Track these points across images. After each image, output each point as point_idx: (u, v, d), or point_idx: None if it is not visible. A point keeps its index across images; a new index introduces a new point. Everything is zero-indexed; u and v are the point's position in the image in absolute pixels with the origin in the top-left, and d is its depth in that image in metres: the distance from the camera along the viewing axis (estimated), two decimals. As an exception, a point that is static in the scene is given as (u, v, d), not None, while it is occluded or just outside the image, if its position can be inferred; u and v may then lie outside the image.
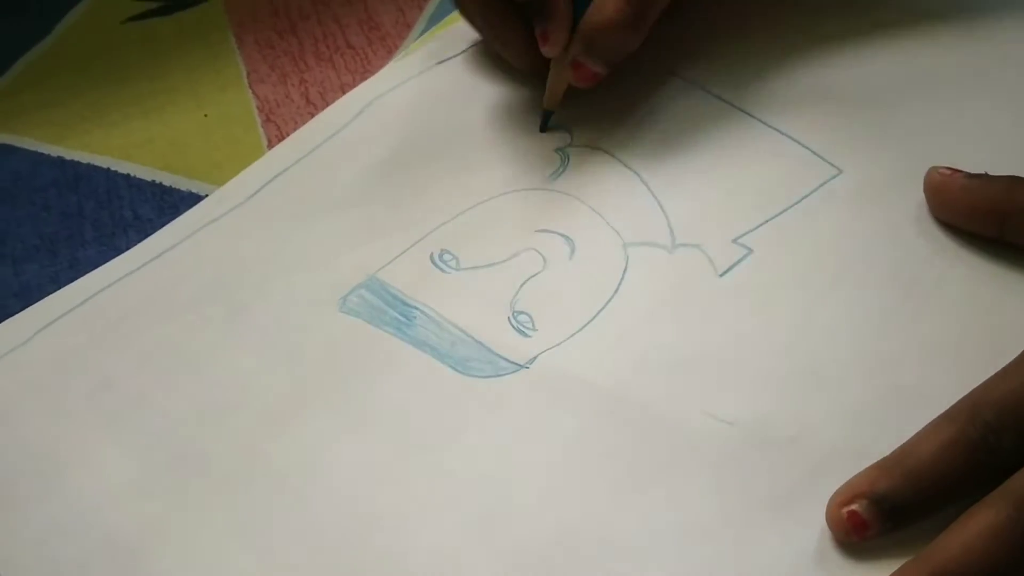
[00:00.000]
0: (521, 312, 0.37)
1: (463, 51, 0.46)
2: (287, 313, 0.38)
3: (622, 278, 0.38)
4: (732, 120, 0.42)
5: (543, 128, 0.43)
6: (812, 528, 0.31)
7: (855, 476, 0.30)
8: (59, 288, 0.40)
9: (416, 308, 0.38)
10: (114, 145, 0.46)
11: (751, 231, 0.38)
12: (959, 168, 0.36)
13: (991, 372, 0.31)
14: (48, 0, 0.52)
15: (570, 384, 0.35)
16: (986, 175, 0.36)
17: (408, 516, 0.33)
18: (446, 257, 0.39)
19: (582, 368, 0.35)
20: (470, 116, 0.44)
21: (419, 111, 0.44)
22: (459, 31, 0.47)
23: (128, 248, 0.41)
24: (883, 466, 0.30)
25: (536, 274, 0.38)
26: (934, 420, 0.31)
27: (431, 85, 0.45)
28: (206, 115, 0.46)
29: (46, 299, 0.40)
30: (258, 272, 0.40)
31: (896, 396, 0.33)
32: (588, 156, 0.42)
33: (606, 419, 0.34)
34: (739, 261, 0.37)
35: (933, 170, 0.37)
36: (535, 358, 0.36)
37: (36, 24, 0.51)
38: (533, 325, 0.37)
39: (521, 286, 0.38)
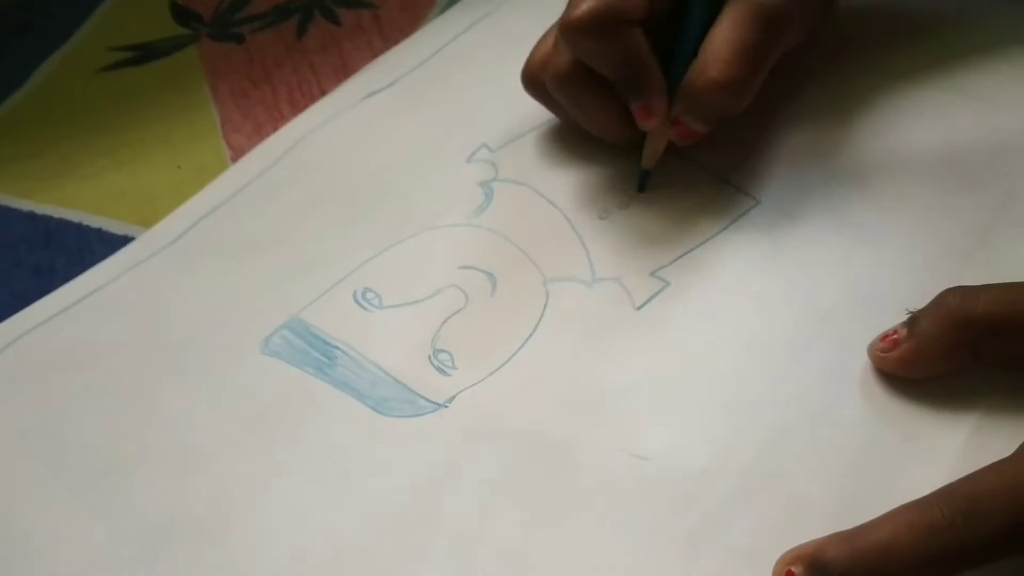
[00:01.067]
0: (441, 350, 0.38)
1: (390, 84, 0.47)
2: (211, 356, 0.38)
3: (542, 314, 0.38)
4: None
5: (641, 189, 0.41)
6: (719, 558, 0.31)
7: (811, 540, 0.30)
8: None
9: (338, 348, 0.38)
10: (86, 199, 0.45)
11: (669, 264, 0.38)
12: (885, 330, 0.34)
13: (901, 391, 0.32)
14: (22, 50, 0.52)
15: (488, 422, 0.35)
16: (915, 315, 0.33)
17: (334, 554, 0.33)
18: (369, 295, 0.40)
19: (500, 406, 0.36)
20: (395, 152, 0.44)
21: (345, 148, 0.45)
22: (387, 63, 0.48)
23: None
24: (838, 536, 0.30)
25: (458, 311, 0.39)
26: (900, 506, 0.29)
27: (358, 120, 0.46)
28: (179, 167, 0.46)
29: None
30: (182, 315, 0.40)
31: (809, 421, 0.34)
32: (512, 191, 0.42)
33: (523, 456, 0.34)
34: (656, 294, 0.38)
35: (876, 350, 0.34)
36: (454, 397, 0.36)
37: (10, 74, 0.51)
38: (453, 364, 0.37)
39: (442, 324, 0.38)
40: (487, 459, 0.34)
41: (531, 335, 0.37)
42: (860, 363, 0.35)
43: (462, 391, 0.36)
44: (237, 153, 0.46)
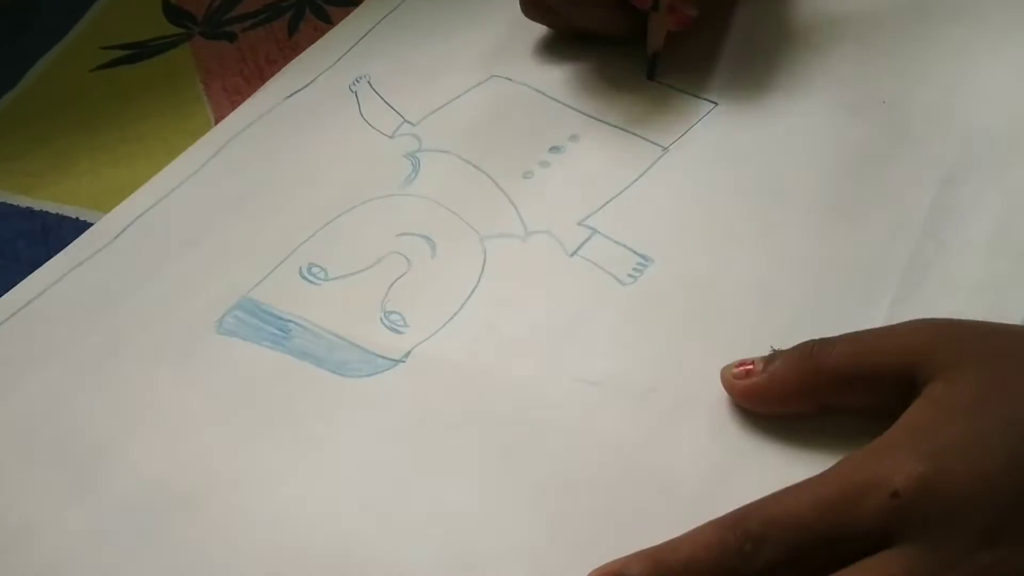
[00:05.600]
0: (392, 312, 0.40)
1: (309, 83, 0.49)
2: (169, 342, 0.40)
3: (482, 269, 0.40)
4: (567, 116, 0.45)
5: (651, 75, 0.45)
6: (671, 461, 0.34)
7: (618, 558, 0.31)
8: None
9: (291, 322, 0.40)
10: (84, 194, 0.46)
11: (594, 213, 0.41)
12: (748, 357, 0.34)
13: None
14: (16, 50, 0.52)
15: (446, 371, 0.38)
16: (777, 354, 0.34)
17: (308, 511, 0.35)
18: (314, 270, 0.41)
19: (455, 355, 0.38)
20: (321, 139, 0.46)
21: (271, 146, 0.46)
22: (304, 64, 0.49)
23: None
24: (643, 553, 0.30)
25: (402, 275, 0.41)
26: (706, 523, 0.31)
27: (281, 119, 0.48)
28: None
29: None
30: (133, 307, 0.41)
31: (748, 338, 0.37)
32: (438, 159, 0.45)
33: (483, 399, 0.37)
34: (585, 241, 0.41)
35: (729, 375, 0.34)
36: (410, 352, 0.38)
37: (5, 72, 0.51)
38: (405, 323, 0.39)
39: (389, 288, 0.40)
40: (450, 406, 0.37)
41: (474, 289, 0.40)
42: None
43: (417, 345, 0.38)
44: None
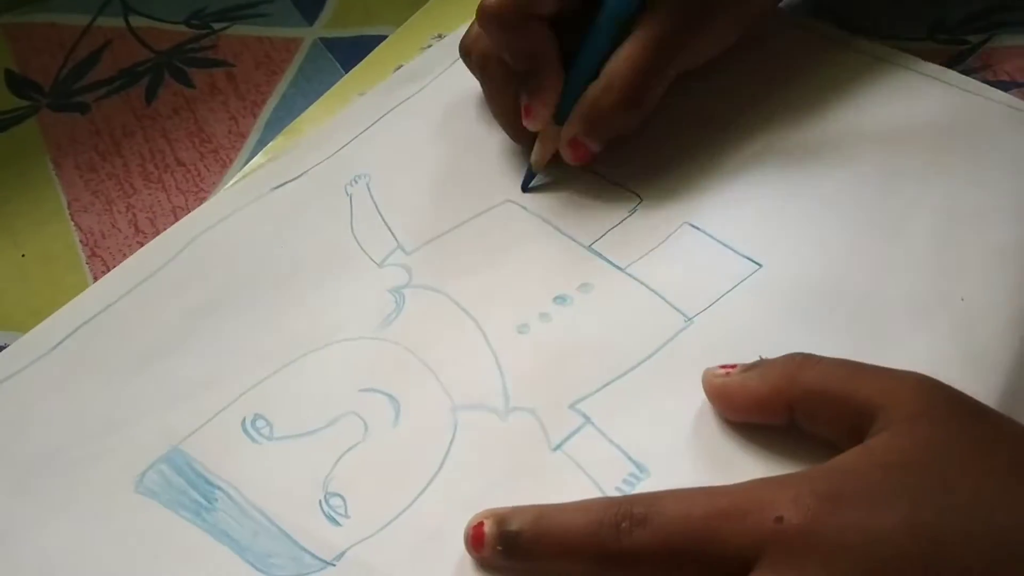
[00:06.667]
0: (334, 494, 0.33)
1: (302, 174, 0.43)
2: (80, 491, 0.34)
3: (448, 450, 0.34)
4: (584, 260, 0.38)
5: (525, 188, 0.41)
6: None
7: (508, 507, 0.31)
8: None
9: (219, 488, 0.34)
10: None
11: (591, 395, 0.34)
12: (729, 363, 0.33)
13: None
14: None
15: (378, 587, 0.31)
16: (762, 361, 0.33)
17: None
18: (259, 423, 0.35)
19: (393, 569, 0.32)
20: (300, 251, 0.40)
21: (247, 245, 0.41)
22: (299, 151, 0.43)
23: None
24: (529, 508, 0.31)
25: (355, 445, 0.35)
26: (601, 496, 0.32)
27: (261, 215, 0.41)
28: (23, 255, 0.42)
29: None
30: (52, 439, 0.36)
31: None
32: (425, 299, 0.38)
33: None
34: (574, 432, 0.34)
35: (708, 373, 0.33)
36: (343, 553, 0.32)
37: None
38: (346, 511, 0.33)
39: (337, 462, 0.34)
40: (375, 631, 0.31)
41: (433, 477, 0.33)
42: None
43: (352, 547, 0.32)
44: (87, 236, 0.42)
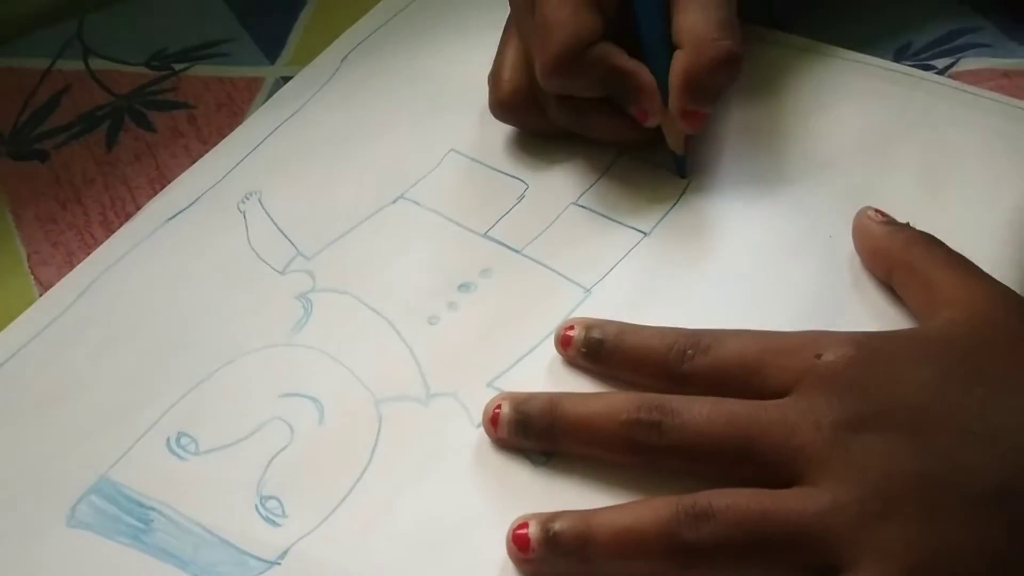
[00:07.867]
0: (269, 497, 0.34)
1: (193, 202, 0.43)
2: (8, 534, 0.34)
3: (376, 442, 0.35)
4: (479, 246, 0.40)
5: (682, 174, 0.41)
6: None
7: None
8: None
9: (153, 509, 0.34)
10: None
11: (505, 372, 0.36)
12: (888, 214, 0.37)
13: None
14: None
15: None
16: (903, 225, 0.36)
17: None
18: (184, 441, 0.36)
19: (338, 557, 0.33)
20: (200, 273, 0.41)
21: (148, 278, 0.41)
22: (188, 180, 0.44)
23: None
24: (617, 322, 0.35)
25: (283, 448, 0.35)
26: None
27: (159, 247, 0.42)
28: None
29: None
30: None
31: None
32: (333, 302, 0.39)
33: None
34: (496, 408, 0.35)
35: (864, 209, 0.37)
36: (287, 551, 0.33)
37: None
38: (283, 511, 0.34)
39: (268, 465, 0.35)
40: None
41: (365, 468, 0.34)
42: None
43: (295, 543, 0.33)
44: (47, 289, 0.41)
